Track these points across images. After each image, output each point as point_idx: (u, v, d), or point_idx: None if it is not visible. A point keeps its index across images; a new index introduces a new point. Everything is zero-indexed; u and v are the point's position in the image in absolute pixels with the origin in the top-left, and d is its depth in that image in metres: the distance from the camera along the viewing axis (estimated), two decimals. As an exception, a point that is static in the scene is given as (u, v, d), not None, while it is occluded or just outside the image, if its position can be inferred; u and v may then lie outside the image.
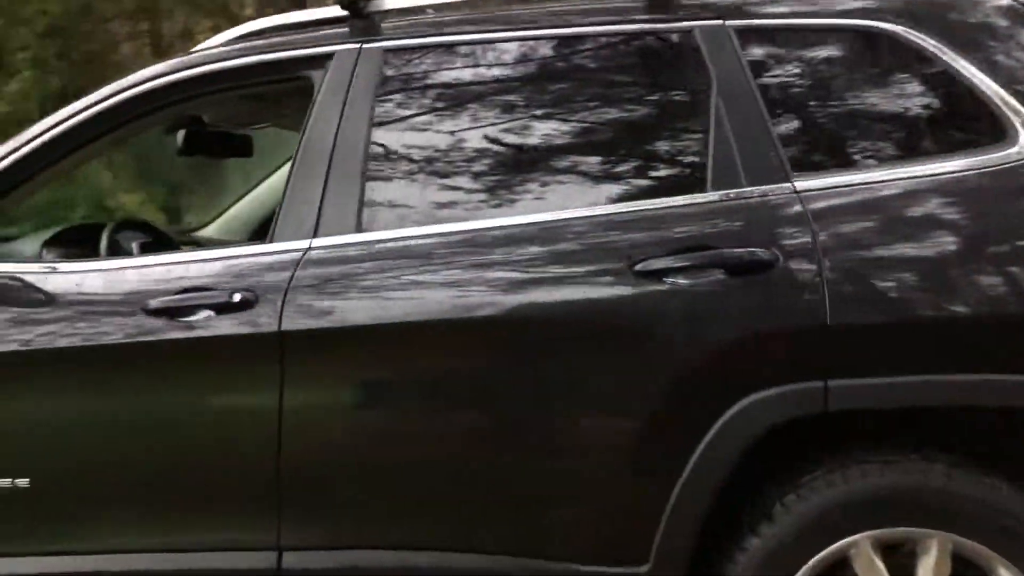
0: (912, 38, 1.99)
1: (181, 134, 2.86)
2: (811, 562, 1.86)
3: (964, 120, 2.00)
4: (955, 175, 1.89)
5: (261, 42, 2.37)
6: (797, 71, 2.08)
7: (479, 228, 2.06)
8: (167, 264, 2.24)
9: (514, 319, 1.97)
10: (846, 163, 2.00)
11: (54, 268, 2.31)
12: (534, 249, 2.00)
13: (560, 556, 1.97)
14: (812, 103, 2.07)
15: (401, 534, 2.04)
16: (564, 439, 1.97)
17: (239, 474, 2.10)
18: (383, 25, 2.29)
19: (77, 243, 2.60)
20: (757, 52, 2.05)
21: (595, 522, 1.96)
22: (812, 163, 2.00)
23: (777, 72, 2.07)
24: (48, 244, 2.58)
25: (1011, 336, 1.82)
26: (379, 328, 2.02)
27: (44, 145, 2.34)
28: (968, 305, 1.83)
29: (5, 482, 2.19)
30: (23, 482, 2.19)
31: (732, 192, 1.96)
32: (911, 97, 2.04)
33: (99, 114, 2.33)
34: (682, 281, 1.90)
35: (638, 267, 1.92)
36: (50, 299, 2.22)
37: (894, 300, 1.86)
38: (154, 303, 2.12)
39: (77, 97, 2.38)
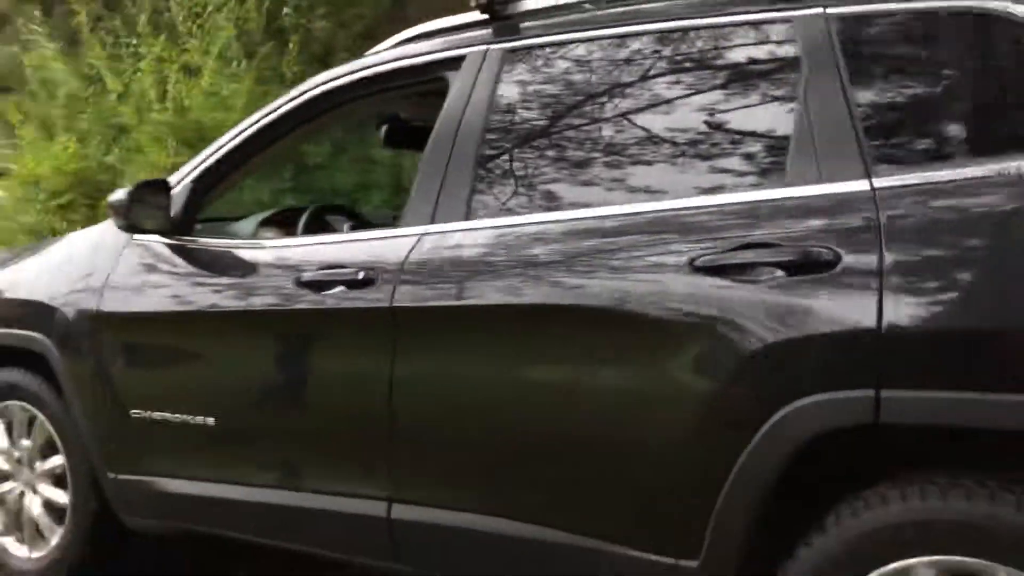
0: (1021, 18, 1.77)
1: (383, 129, 3.19)
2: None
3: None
4: None
5: (413, 46, 2.62)
6: (892, 61, 1.93)
7: (571, 218, 2.16)
8: (321, 244, 2.57)
9: (595, 310, 2.04)
10: (935, 158, 1.83)
11: (260, 244, 2.74)
12: (620, 241, 2.05)
13: (625, 542, 2.02)
14: (905, 94, 1.91)
15: (492, 501, 2.21)
16: (631, 428, 2.01)
17: (361, 431, 2.38)
18: (520, 26, 2.43)
19: (287, 224, 3.02)
20: (852, 41, 1.93)
21: (659, 514, 1.99)
22: (898, 158, 1.85)
23: (870, 62, 1.93)
24: (263, 224, 3.03)
25: None
26: (474, 308, 2.19)
27: (245, 141, 2.77)
28: None
29: (199, 419, 2.65)
30: (210, 420, 2.64)
31: (808, 188, 1.88)
32: (1014, 84, 1.82)
33: (285, 114, 2.72)
34: (742, 278, 1.87)
35: (698, 262, 1.92)
36: (254, 268, 2.64)
37: (960, 310, 1.69)
38: (305, 276, 2.46)
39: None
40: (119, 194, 2.73)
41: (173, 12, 7.81)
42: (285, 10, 7.66)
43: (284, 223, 3.01)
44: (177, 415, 2.70)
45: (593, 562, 2.06)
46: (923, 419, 1.71)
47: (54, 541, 3.06)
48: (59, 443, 3.01)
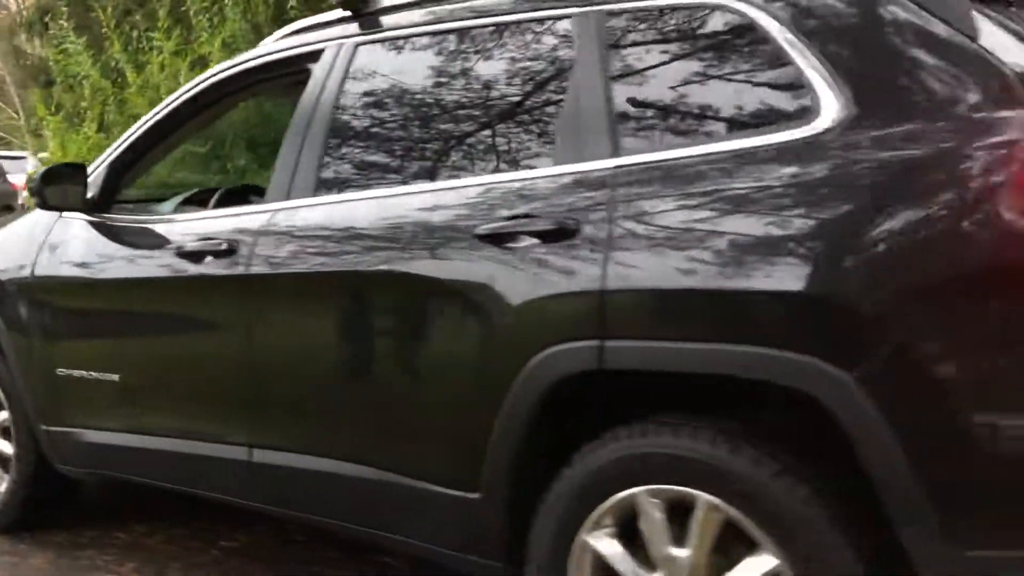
0: (751, 14, 1.99)
1: None
2: (601, 507, 2.00)
3: (783, 96, 1.94)
4: (758, 149, 1.89)
5: (289, 40, 2.90)
6: (643, 51, 2.15)
7: (388, 195, 2.44)
8: (201, 219, 2.89)
9: (401, 276, 2.31)
10: (671, 139, 2.05)
11: (158, 221, 3.06)
12: (425, 214, 2.32)
13: (423, 476, 2.30)
14: (652, 82, 2.12)
15: (326, 445, 2.50)
16: (426, 379, 2.29)
17: (228, 385, 2.70)
18: (371, 21, 2.70)
19: (204, 203, 3.34)
20: (612, 34, 2.17)
21: (444, 450, 2.26)
22: (641, 140, 2.08)
23: (625, 53, 2.16)
24: (184, 203, 3.36)
25: (775, 310, 1.81)
26: (300, 276, 2.50)
27: (152, 127, 3.10)
28: (739, 279, 1.83)
29: (109, 376, 3.00)
30: (115, 377, 2.98)
31: (566, 167, 2.12)
32: (742, 73, 2.02)
33: (184, 103, 3.04)
34: (508, 245, 2.12)
35: (477, 231, 2.17)
36: (150, 242, 2.96)
37: (666, 273, 1.91)
38: (186, 248, 2.77)
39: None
40: (37, 176, 3.08)
41: (188, 6, 8.23)
42: (291, 3, 8.01)
43: (203, 202, 3.33)
44: (92, 373, 3.05)
45: (406, 496, 2.34)
46: (635, 364, 1.95)
47: (3, 487, 3.44)
48: (3, 400, 3.38)
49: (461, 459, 2.22)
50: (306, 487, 2.56)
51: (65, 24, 9.10)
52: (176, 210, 3.30)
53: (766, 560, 1.82)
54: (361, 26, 2.69)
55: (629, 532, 2.00)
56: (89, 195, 3.11)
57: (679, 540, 1.92)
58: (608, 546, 2.02)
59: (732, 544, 1.87)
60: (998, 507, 1.64)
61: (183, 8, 8.43)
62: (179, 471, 2.90)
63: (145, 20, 9.20)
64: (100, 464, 3.16)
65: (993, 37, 1.82)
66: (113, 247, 3.03)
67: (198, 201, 3.37)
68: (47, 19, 10.84)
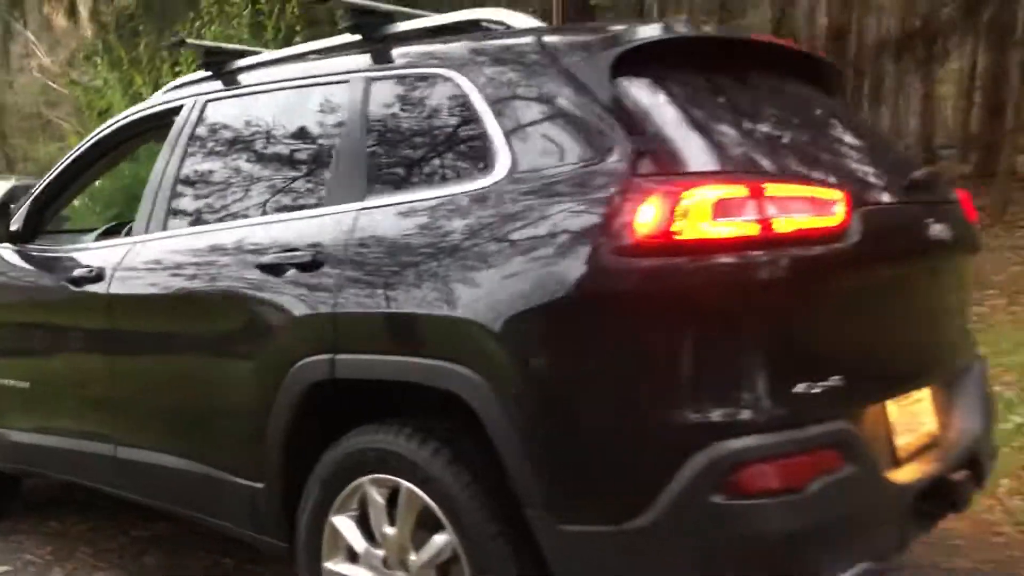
0: (459, 81, 2.37)
1: None
2: (342, 494, 2.40)
3: (476, 151, 2.30)
4: (447, 198, 2.27)
5: (168, 95, 3.38)
6: (388, 111, 2.54)
7: (201, 231, 2.90)
8: (85, 250, 3.38)
9: (208, 298, 2.75)
10: (398, 186, 2.44)
11: (60, 251, 3.56)
12: (229, 247, 2.75)
13: (225, 468, 2.73)
14: (390, 137, 2.51)
15: (163, 443, 2.95)
16: (226, 385, 2.71)
17: (99, 391, 3.16)
18: (223, 81, 3.15)
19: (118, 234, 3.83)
20: (370, 96, 2.57)
21: (237, 446, 2.68)
22: (380, 186, 2.47)
23: (377, 112, 2.55)
24: (103, 234, 3.86)
25: (438, 330, 2.17)
26: (141, 299, 2.96)
27: (67, 167, 3.61)
28: (417, 305, 2.21)
29: (22, 384, 3.50)
30: (26, 385, 3.48)
31: (329, 209, 2.53)
32: (449, 131, 2.41)
33: (93, 145, 3.55)
34: (279, 275, 2.53)
35: (260, 262, 2.59)
36: (52, 268, 3.45)
37: (375, 298, 2.30)
38: (73, 274, 3.25)
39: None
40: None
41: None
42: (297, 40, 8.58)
43: (118, 233, 3.82)
44: (10, 381, 3.56)
45: (215, 485, 2.76)
46: (353, 374, 2.34)
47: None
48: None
49: (249, 453, 2.64)
50: (151, 478, 3.01)
51: (100, 61, 9.85)
52: (95, 240, 3.79)
53: (445, 537, 2.18)
54: (211, 85, 3.15)
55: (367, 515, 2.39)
56: (13, 228, 3.62)
57: (394, 520, 2.30)
58: (347, 526, 2.40)
59: (431, 523, 2.24)
60: (582, 491, 1.99)
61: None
62: (69, 465, 3.37)
63: (172, 55, 9.90)
64: (20, 461, 3.66)
65: (653, 106, 2.15)
66: (24, 272, 3.54)
67: (116, 231, 3.86)
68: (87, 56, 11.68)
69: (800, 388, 1.96)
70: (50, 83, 21.73)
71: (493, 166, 2.21)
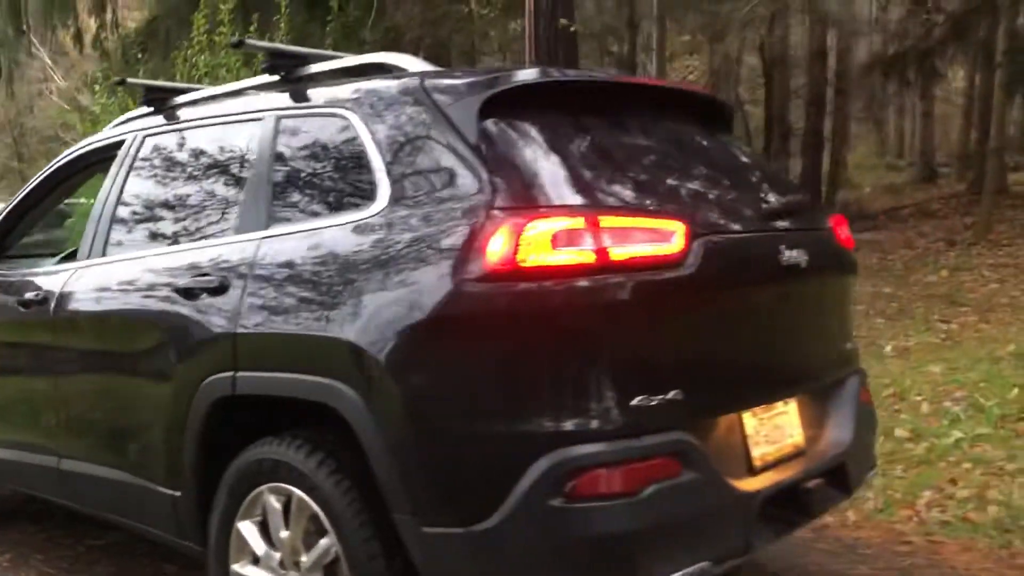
0: (351, 120, 2.59)
1: None
2: (246, 500, 2.60)
3: (360, 185, 2.52)
4: (333, 228, 2.48)
5: (114, 130, 3.62)
6: (293, 147, 2.77)
7: (128, 258, 3.13)
8: (37, 275, 3.61)
9: (129, 319, 2.99)
10: (295, 216, 2.66)
11: (14, 275, 3.79)
12: (151, 273, 2.98)
13: (150, 478, 2.94)
14: (294, 171, 2.74)
15: (96, 455, 3.17)
16: (149, 400, 2.93)
17: (45, 407, 3.39)
18: (160, 118, 3.39)
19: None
20: (277, 132, 2.80)
21: (159, 457, 2.89)
22: (281, 216, 2.69)
23: (282, 147, 2.78)
24: (65, 258, 4.10)
25: (319, 349, 2.39)
26: (78, 321, 3.19)
27: (25, 196, 3.85)
28: (301, 326, 2.43)
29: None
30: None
31: (239, 236, 2.75)
32: (342, 166, 2.62)
33: (49, 175, 3.80)
34: (192, 298, 2.76)
35: (176, 286, 2.82)
36: (9, 291, 3.69)
37: (267, 319, 2.52)
38: (24, 297, 3.49)
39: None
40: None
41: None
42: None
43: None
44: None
45: (142, 493, 2.98)
46: (251, 391, 2.55)
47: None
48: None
49: (169, 464, 2.85)
50: (90, 488, 3.22)
51: (97, 87, 10.16)
52: (56, 264, 4.03)
53: (328, 540, 2.39)
54: (150, 121, 3.39)
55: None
56: (-25, 253, 3.87)
57: (288, 525, 2.51)
58: (250, 531, 2.61)
59: (319, 528, 2.44)
60: (440, 495, 2.18)
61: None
62: (21, 477, 3.60)
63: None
64: None
65: (513, 146, 2.36)
66: (-13, 295, 3.78)
67: (74, 256, 4.10)
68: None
69: (637, 401, 2.15)
70: (64, 106, 22.26)
71: (375, 198, 2.43)
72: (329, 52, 3.15)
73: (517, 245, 2.11)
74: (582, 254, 2.11)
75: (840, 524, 4.01)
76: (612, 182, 2.38)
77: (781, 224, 2.64)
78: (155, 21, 12.09)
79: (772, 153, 13.13)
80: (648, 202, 2.36)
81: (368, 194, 2.47)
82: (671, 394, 2.21)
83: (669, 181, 2.54)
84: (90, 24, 12.68)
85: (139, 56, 11.63)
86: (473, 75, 2.59)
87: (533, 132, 2.38)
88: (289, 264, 2.53)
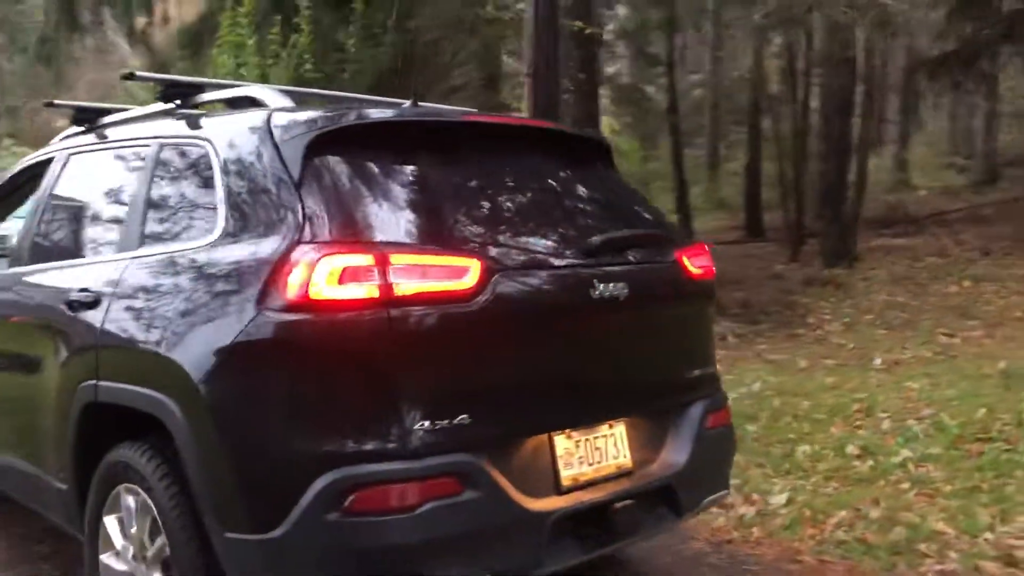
0: (208, 150, 2.81)
1: None
2: (109, 497, 2.86)
3: (207, 213, 2.73)
4: (176, 254, 2.72)
5: (53, 144, 3.92)
6: (166, 173, 3.01)
7: (37, 270, 3.42)
8: None
9: (31, 328, 3.27)
10: (158, 239, 2.90)
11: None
12: (50, 284, 3.27)
13: (47, 471, 3.23)
14: (163, 196, 2.98)
15: (9, 447, 3.49)
16: (39, 399, 3.21)
17: None
18: (84, 138, 3.67)
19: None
20: (161, 159, 3.04)
21: (51, 452, 3.17)
22: (150, 238, 2.93)
23: (157, 172, 3.02)
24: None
25: (150, 364, 2.64)
26: None
27: None
28: (136, 342, 2.69)
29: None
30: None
31: (112, 256, 3.02)
32: (197, 193, 2.85)
33: (7, 181, 4.12)
34: (77, 312, 3.02)
35: (66, 298, 3.09)
36: None
37: (118, 334, 2.78)
38: None
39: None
40: None
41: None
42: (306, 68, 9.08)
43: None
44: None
45: (44, 484, 3.27)
46: (108, 399, 2.80)
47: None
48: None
49: (58, 459, 3.13)
50: (10, 478, 3.54)
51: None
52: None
53: (162, 539, 2.63)
54: (77, 140, 3.67)
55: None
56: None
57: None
58: (113, 525, 2.87)
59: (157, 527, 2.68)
60: (240, 503, 2.40)
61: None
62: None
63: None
64: None
65: (329, 184, 2.54)
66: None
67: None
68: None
69: (419, 426, 2.33)
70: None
71: (214, 228, 2.65)
72: (223, 82, 3.37)
73: (309, 279, 2.30)
74: (368, 288, 2.29)
75: (743, 540, 4.11)
76: (421, 221, 2.54)
77: (604, 259, 2.77)
78: (202, 20, 12.50)
79: (800, 160, 12.96)
80: (448, 241, 2.52)
81: (210, 224, 2.68)
82: (457, 419, 2.37)
83: (483, 220, 2.68)
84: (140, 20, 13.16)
85: (180, 53, 12.07)
86: (317, 112, 2.77)
87: (355, 171, 2.56)
88: (142, 286, 2.77)
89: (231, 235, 2.57)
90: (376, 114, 2.77)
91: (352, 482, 2.28)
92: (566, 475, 2.66)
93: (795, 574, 3.72)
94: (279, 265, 2.36)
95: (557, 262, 2.68)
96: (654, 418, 2.95)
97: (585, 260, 2.72)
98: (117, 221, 3.18)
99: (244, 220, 2.57)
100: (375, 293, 2.30)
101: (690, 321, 3.08)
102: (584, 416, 2.73)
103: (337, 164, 2.56)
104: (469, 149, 2.84)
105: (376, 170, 2.60)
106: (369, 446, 2.30)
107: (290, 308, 2.32)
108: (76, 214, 3.47)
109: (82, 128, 3.75)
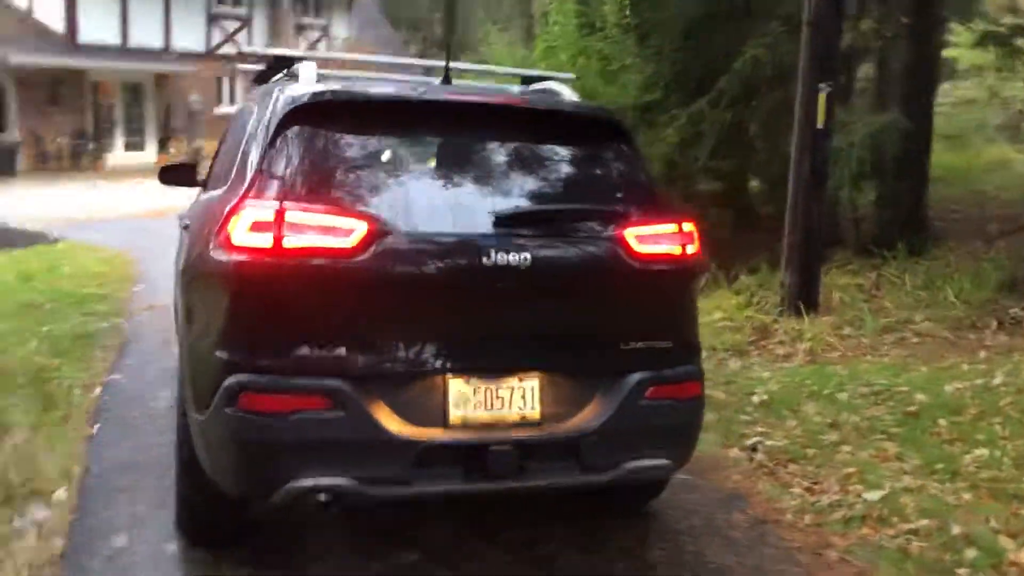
0: (253, 114, 3.57)
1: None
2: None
3: (233, 167, 3.50)
4: (206, 196, 3.53)
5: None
6: (239, 125, 3.81)
7: None
8: None
9: None
10: (214, 183, 3.72)
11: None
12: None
13: None
14: (231, 146, 3.77)
15: None
16: None
17: None
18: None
19: None
20: (250, 115, 3.87)
21: None
22: (214, 179, 3.77)
23: (232, 128, 3.84)
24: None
25: None
26: None
27: None
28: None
29: None
30: None
31: (199, 193, 3.93)
32: (234, 145, 3.60)
33: None
34: (183, 230, 4.00)
35: (184, 223, 4.08)
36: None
37: (181, 254, 3.67)
38: None
39: None
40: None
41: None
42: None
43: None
44: None
45: None
46: None
47: None
48: None
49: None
50: None
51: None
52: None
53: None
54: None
55: None
56: None
57: None
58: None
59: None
60: (194, 392, 3.18)
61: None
62: None
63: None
64: None
65: (281, 149, 3.17)
66: None
67: None
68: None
69: (300, 351, 2.91)
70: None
71: (229, 180, 3.42)
72: (302, 54, 4.11)
73: (235, 227, 2.97)
74: (265, 238, 2.90)
75: (790, 523, 4.06)
76: (339, 186, 3.05)
77: (514, 230, 3.05)
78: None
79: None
80: (348, 204, 2.98)
81: (230, 176, 3.46)
82: (334, 352, 2.91)
83: (396, 189, 3.10)
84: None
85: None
86: (306, 88, 3.30)
87: (307, 141, 3.12)
88: (189, 217, 3.66)
89: (230, 186, 3.31)
90: (340, 92, 3.29)
91: (244, 386, 2.92)
92: (456, 414, 3.05)
93: (801, 565, 3.67)
94: (229, 214, 3.04)
95: (453, 230, 3.03)
96: (579, 380, 3.17)
97: (487, 230, 3.03)
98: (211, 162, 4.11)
99: (241, 174, 3.28)
100: (269, 242, 2.89)
101: (631, 296, 3.21)
102: (485, 367, 3.06)
103: (297, 134, 3.14)
104: (428, 124, 3.26)
105: (323, 141, 3.13)
106: (260, 361, 2.92)
107: (223, 248, 3.00)
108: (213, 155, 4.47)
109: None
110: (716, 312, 7.87)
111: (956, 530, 3.89)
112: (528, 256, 3.01)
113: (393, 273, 2.94)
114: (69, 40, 24.68)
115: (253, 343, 2.94)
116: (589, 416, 3.16)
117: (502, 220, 3.07)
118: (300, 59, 3.80)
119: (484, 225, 3.06)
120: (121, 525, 3.78)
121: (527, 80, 4.30)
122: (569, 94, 3.83)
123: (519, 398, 3.12)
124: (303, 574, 3.44)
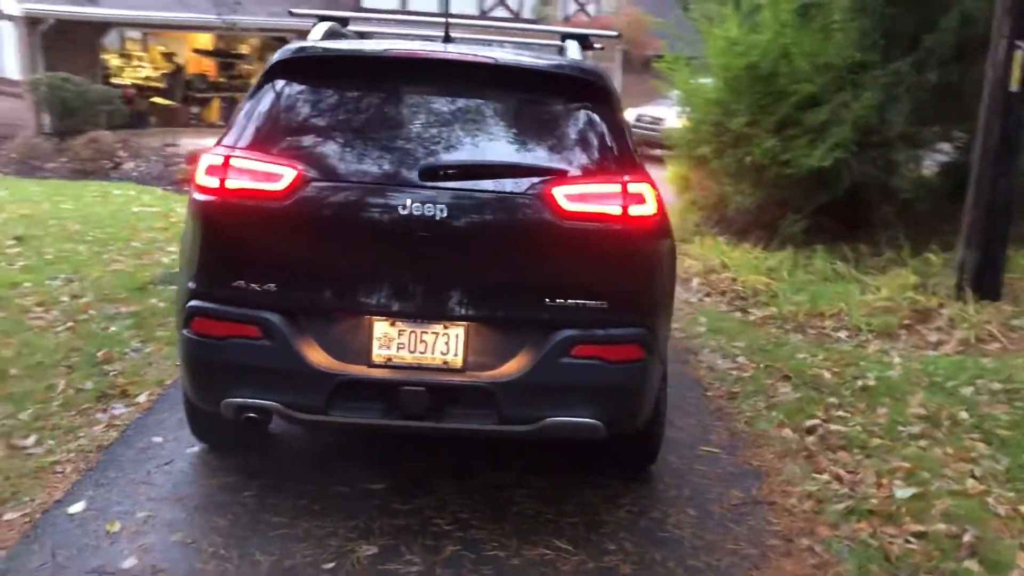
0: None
1: None
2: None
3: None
4: None
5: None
6: None
7: None
8: None
9: None
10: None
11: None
12: None
13: None
14: None
15: None
16: None
17: None
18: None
19: None
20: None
21: None
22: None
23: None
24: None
25: None
26: None
27: None
28: None
29: None
30: None
31: None
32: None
33: None
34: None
35: None
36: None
37: None
38: None
39: None
40: None
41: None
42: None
43: None
44: None
45: None
46: None
47: None
48: None
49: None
50: None
51: None
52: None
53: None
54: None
55: None
56: None
57: None
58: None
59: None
60: (177, 312, 3.61)
61: None
62: None
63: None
64: None
65: (260, 103, 3.49)
66: None
67: None
68: None
69: (236, 283, 3.24)
70: None
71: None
72: (339, 13, 4.37)
73: (199, 170, 3.36)
74: (213, 181, 3.26)
75: (790, 507, 3.85)
76: (287, 136, 3.31)
77: (434, 183, 3.17)
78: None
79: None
80: (282, 153, 3.22)
81: None
82: (264, 287, 3.22)
83: (329, 140, 3.29)
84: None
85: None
86: (293, 45, 3.63)
87: (279, 93, 3.44)
88: None
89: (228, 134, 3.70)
90: (310, 47, 3.56)
91: (196, 311, 3.32)
92: (379, 354, 3.26)
93: (759, 547, 3.51)
94: (209, 160, 3.44)
95: (375, 181, 3.20)
96: (506, 333, 3.25)
97: (406, 182, 3.18)
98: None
99: (230, 123, 3.65)
100: (216, 184, 3.25)
101: (558, 254, 3.21)
102: (412, 313, 3.23)
103: (273, 87, 3.45)
104: (392, 80, 3.44)
105: (294, 93, 3.42)
106: (210, 290, 3.31)
107: (194, 188, 3.40)
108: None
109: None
110: (883, 291, 7.28)
111: (967, 538, 3.52)
112: (444, 207, 3.13)
113: (318, 217, 3.18)
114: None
115: (207, 274, 3.31)
116: (512, 368, 3.23)
117: (424, 173, 3.19)
118: (335, 19, 4.12)
119: (406, 177, 3.20)
120: (170, 426, 4.36)
121: (567, 37, 4.31)
122: (576, 53, 3.81)
123: (443, 344, 3.26)
124: (276, 483, 3.81)
